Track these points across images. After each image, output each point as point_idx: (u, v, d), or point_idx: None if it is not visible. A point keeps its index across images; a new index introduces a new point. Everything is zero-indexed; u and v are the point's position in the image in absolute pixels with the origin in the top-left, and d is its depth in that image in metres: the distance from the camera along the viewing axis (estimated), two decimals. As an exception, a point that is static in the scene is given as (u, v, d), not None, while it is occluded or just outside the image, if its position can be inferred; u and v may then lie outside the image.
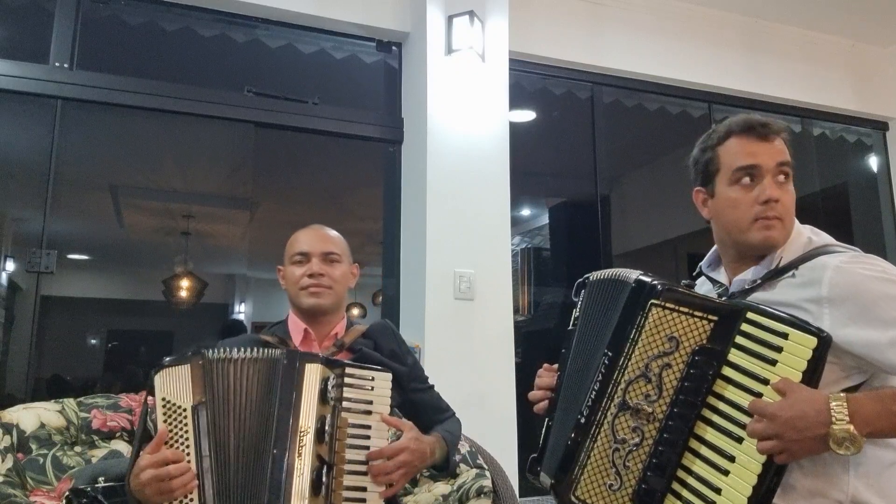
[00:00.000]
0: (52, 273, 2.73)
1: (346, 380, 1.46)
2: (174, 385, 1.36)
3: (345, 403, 1.44)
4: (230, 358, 1.42)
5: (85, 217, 3.37)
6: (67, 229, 2.99)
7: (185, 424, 1.32)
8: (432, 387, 1.86)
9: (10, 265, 2.92)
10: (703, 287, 1.51)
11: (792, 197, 1.33)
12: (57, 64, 2.81)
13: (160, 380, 1.37)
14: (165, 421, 1.34)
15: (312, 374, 1.43)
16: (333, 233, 1.82)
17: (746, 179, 1.32)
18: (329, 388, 1.43)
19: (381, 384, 1.50)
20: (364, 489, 1.42)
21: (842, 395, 1.12)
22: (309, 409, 1.40)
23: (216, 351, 1.42)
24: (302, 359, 1.45)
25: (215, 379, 1.39)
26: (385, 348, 1.78)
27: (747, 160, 1.32)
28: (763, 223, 1.30)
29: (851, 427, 1.08)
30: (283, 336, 1.74)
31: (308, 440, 1.38)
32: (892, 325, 1.17)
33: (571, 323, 1.50)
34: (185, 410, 1.33)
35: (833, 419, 1.08)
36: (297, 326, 1.77)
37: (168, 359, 1.39)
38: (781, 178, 1.33)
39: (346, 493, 1.40)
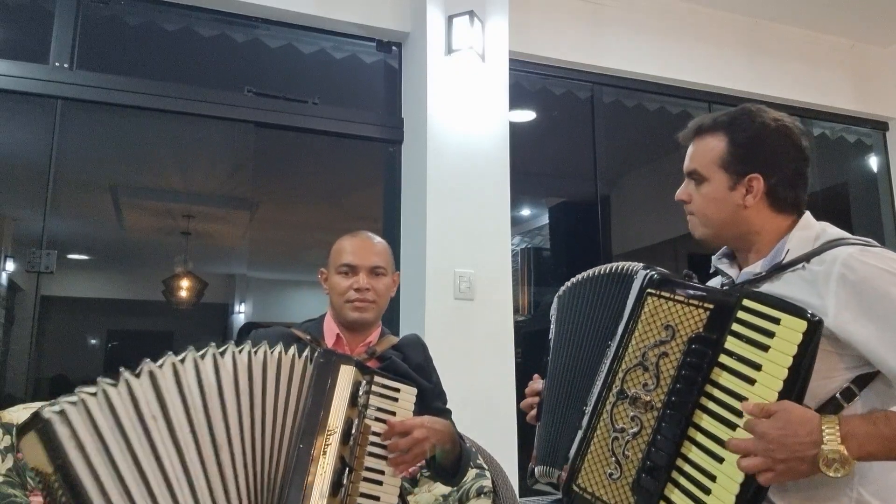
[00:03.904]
0: (52, 273, 2.73)
1: (374, 388, 1.46)
2: (34, 453, 1.20)
3: (370, 411, 1.44)
4: (150, 371, 1.27)
5: (85, 217, 3.37)
6: (67, 229, 3.00)
7: (58, 489, 1.18)
8: (451, 411, 1.85)
9: (10, 265, 2.91)
10: (714, 283, 1.52)
11: (703, 198, 1.41)
12: (57, 64, 2.81)
13: (24, 451, 1.24)
14: (43, 490, 1.21)
15: (346, 376, 1.42)
16: (379, 242, 1.82)
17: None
18: (360, 392, 1.42)
19: (405, 397, 1.49)
20: (377, 498, 1.42)
21: (833, 416, 1.11)
22: (338, 410, 1.39)
23: (118, 376, 1.25)
24: (337, 359, 1.44)
25: (95, 419, 1.20)
26: (413, 361, 1.78)
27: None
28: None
29: (842, 448, 1.07)
30: (316, 335, 1.75)
31: (334, 440, 1.36)
32: (889, 325, 1.17)
33: (551, 332, 1.54)
34: (51, 475, 1.18)
35: (824, 440, 1.08)
36: (331, 329, 1.77)
37: (17, 428, 1.26)
38: (693, 181, 1.43)
39: (360, 501, 1.39)
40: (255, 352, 1.37)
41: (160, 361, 1.28)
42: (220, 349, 1.34)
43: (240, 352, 1.35)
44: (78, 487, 1.17)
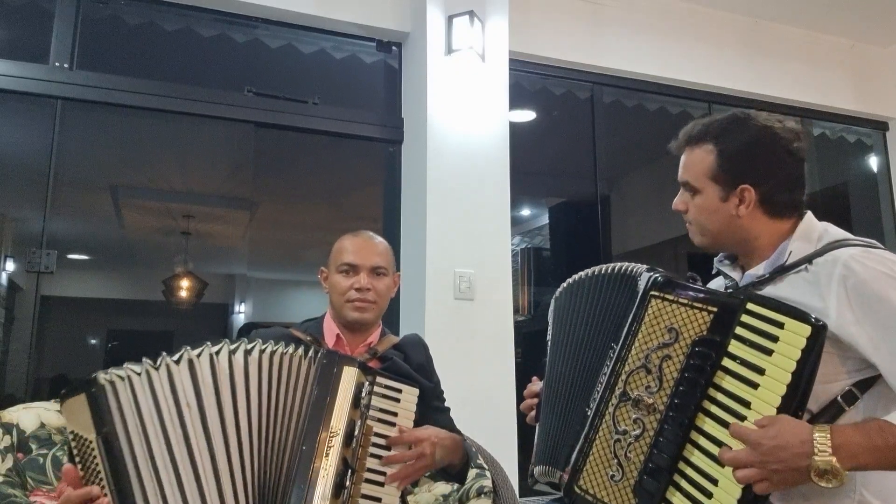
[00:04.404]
0: (52, 273, 2.72)
1: (377, 388, 1.46)
2: (77, 416, 1.24)
3: (372, 412, 1.44)
4: (189, 359, 1.29)
5: (85, 217, 3.37)
6: (67, 229, 2.99)
7: (95, 457, 1.22)
8: (449, 409, 1.85)
9: (10, 265, 2.91)
10: (717, 283, 1.52)
11: (697, 209, 1.42)
12: (57, 64, 2.81)
13: (65, 412, 1.28)
14: (77, 455, 1.25)
15: (348, 378, 1.42)
16: (381, 242, 1.81)
17: None
18: (362, 393, 1.43)
19: (407, 398, 1.49)
20: (379, 500, 1.42)
21: (826, 426, 1.11)
22: (341, 412, 1.39)
23: (158, 359, 1.29)
24: (341, 361, 1.43)
25: (137, 395, 1.24)
26: (414, 361, 1.78)
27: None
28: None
29: (833, 459, 1.07)
30: (316, 335, 1.74)
31: (337, 442, 1.37)
32: (888, 328, 1.17)
33: (549, 332, 1.54)
34: (91, 442, 1.22)
35: (816, 450, 1.07)
36: (331, 330, 1.77)
37: (69, 386, 1.27)
38: (687, 191, 1.43)
39: (362, 502, 1.40)
40: (275, 350, 1.38)
41: (197, 351, 1.31)
42: (249, 345, 1.36)
43: (263, 349, 1.37)
44: (118, 458, 1.20)
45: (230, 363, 1.32)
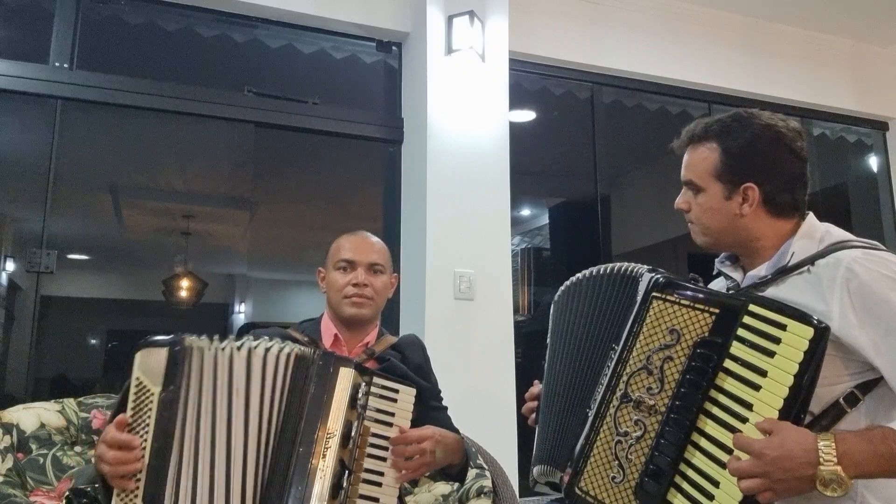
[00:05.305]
0: (52, 273, 2.73)
1: (374, 389, 1.47)
2: (150, 367, 1.29)
3: (369, 412, 1.45)
4: (249, 347, 1.35)
5: (85, 217, 3.37)
6: (67, 229, 2.99)
7: (150, 410, 1.26)
8: (447, 408, 1.86)
9: (10, 265, 2.91)
10: (718, 284, 1.52)
11: (700, 208, 1.41)
12: (57, 64, 2.81)
13: (140, 358, 1.32)
14: (134, 401, 1.29)
15: (345, 379, 1.43)
16: (378, 241, 1.83)
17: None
18: (359, 394, 1.44)
19: (404, 398, 1.50)
20: (377, 500, 1.42)
21: (829, 434, 1.10)
22: (338, 413, 1.40)
23: (223, 341, 1.35)
24: (337, 362, 1.45)
25: (204, 368, 1.31)
26: (412, 362, 1.78)
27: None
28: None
29: (839, 468, 1.06)
30: (314, 336, 1.75)
31: (333, 443, 1.38)
32: (890, 330, 1.17)
33: (549, 333, 1.55)
34: (152, 395, 1.27)
35: (821, 460, 1.07)
36: (329, 329, 1.77)
37: (152, 338, 1.32)
38: (690, 190, 1.42)
39: (359, 502, 1.40)
40: (300, 351, 1.42)
41: (256, 342, 1.37)
42: (283, 344, 1.41)
43: (292, 350, 1.41)
44: (170, 418, 1.26)
45: (277, 359, 1.38)
